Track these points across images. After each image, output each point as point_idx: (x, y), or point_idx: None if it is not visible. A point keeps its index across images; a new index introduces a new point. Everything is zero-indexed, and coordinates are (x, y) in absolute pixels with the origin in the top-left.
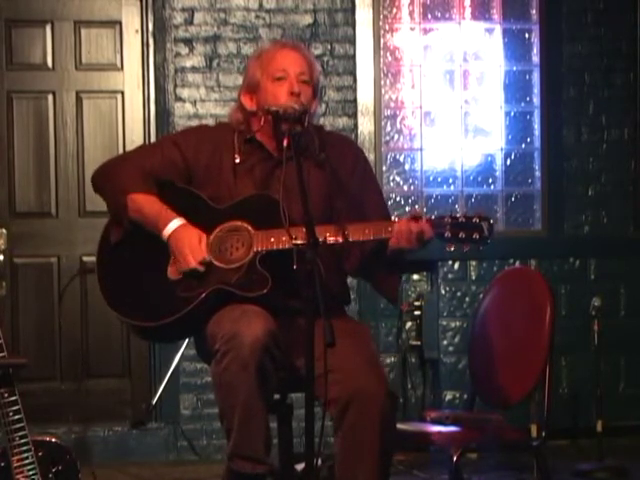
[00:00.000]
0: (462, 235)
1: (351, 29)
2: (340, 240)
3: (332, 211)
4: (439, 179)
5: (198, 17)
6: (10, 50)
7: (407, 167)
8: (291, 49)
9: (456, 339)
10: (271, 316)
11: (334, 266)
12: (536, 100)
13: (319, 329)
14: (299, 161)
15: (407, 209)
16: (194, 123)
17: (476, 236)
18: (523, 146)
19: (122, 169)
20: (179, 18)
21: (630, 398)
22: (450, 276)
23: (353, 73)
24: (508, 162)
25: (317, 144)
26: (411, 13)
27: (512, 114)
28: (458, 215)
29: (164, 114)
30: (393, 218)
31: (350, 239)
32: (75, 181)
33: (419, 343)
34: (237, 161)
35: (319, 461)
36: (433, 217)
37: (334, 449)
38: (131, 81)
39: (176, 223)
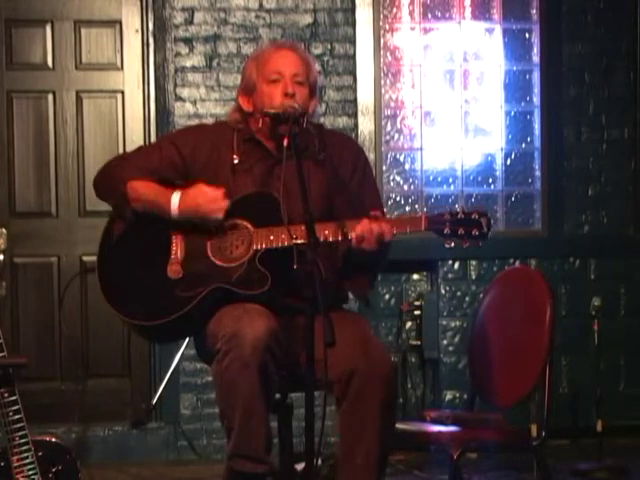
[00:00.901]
0: (461, 231)
1: (351, 29)
2: (340, 238)
3: (331, 210)
4: (439, 179)
5: (198, 17)
6: (10, 50)
7: (407, 167)
8: (286, 50)
9: (456, 339)
10: (273, 314)
11: (333, 264)
12: (536, 100)
13: (319, 327)
14: (299, 160)
15: (407, 209)
16: (194, 123)
17: (475, 232)
18: (523, 146)
19: (121, 167)
20: (179, 18)
21: (630, 398)
22: (450, 276)
23: (353, 73)
24: (508, 162)
25: (317, 144)
26: (411, 13)
27: (512, 114)
28: (457, 211)
29: (164, 114)
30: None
31: (349, 237)
32: (75, 181)
33: (419, 343)
34: (236, 162)
35: (319, 461)
36: (432, 214)
37: (337, 422)
38: (131, 81)
39: (177, 195)
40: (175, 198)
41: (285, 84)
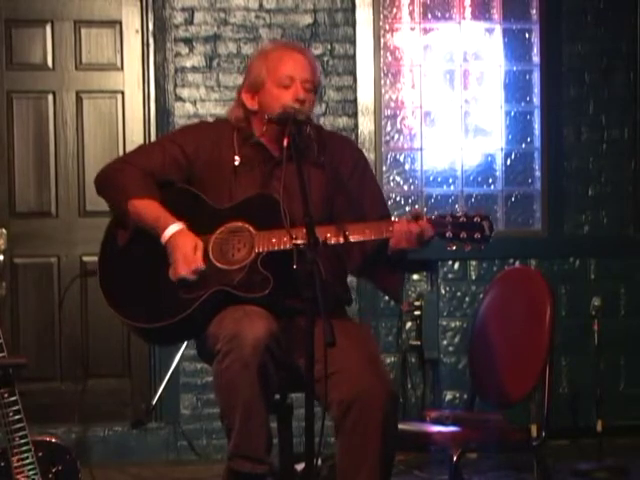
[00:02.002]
0: (464, 235)
1: (351, 29)
2: (341, 240)
3: (332, 212)
4: (439, 179)
5: (198, 17)
6: (10, 50)
7: (407, 167)
8: (298, 54)
9: (456, 339)
10: (273, 317)
11: (335, 267)
12: (536, 100)
13: (319, 329)
14: (299, 161)
15: (407, 209)
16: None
17: (477, 236)
18: (523, 146)
19: (124, 172)
20: (179, 18)
21: (630, 398)
22: (450, 276)
23: (353, 73)
24: (508, 162)
25: (316, 146)
26: (411, 13)
27: (512, 114)
28: (459, 214)
29: (164, 114)
30: (393, 218)
31: (351, 239)
32: (75, 181)
33: (419, 343)
34: (237, 163)
35: (319, 461)
36: (434, 216)
37: (335, 450)
38: (131, 81)
39: (174, 228)
40: (171, 229)
41: (296, 89)
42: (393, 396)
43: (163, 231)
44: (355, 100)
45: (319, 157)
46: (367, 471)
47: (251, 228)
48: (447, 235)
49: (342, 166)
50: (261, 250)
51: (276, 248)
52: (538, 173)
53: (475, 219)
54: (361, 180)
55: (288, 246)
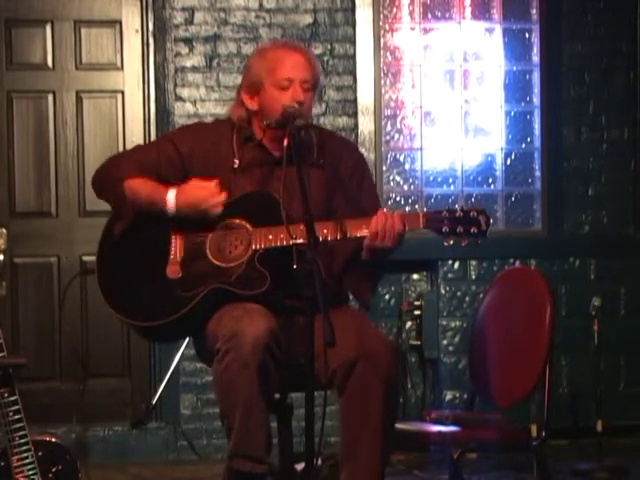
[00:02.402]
0: (460, 229)
1: (351, 29)
2: (338, 236)
3: (330, 212)
4: (439, 179)
5: (198, 17)
6: (10, 50)
7: (407, 167)
8: (297, 54)
9: (456, 339)
10: (272, 315)
11: (330, 266)
12: (536, 100)
13: (319, 326)
14: (299, 161)
15: (407, 209)
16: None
17: (474, 230)
18: (523, 146)
19: (118, 164)
20: (179, 18)
21: (630, 398)
22: (450, 276)
23: (353, 73)
24: (508, 162)
25: (316, 148)
26: (411, 13)
27: (512, 114)
28: (455, 209)
29: (164, 114)
30: None
31: (348, 235)
32: (75, 181)
33: (419, 343)
34: (235, 166)
35: (319, 461)
36: (430, 212)
37: (340, 410)
38: (131, 81)
39: (172, 193)
40: (171, 195)
41: (295, 91)
42: (394, 350)
43: (165, 200)
44: (355, 100)
45: (318, 159)
46: (373, 426)
47: (248, 225)
48: (444, 230)
49: (342, 167)
50: (258, 247)
51: (273, 245)
52: (538, 173)
53: (471, 214)
54: (360, 182)
55: (285, 242)
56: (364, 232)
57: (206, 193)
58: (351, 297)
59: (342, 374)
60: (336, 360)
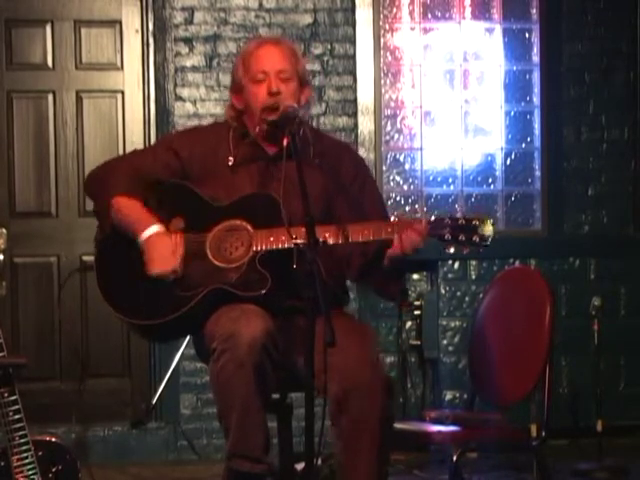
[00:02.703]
0: (462, 238)
1: (351, 29)
2: (340, 241)
3: (331, 214)
4: (439, 179)
5: (198, 16)
6: (10, 50)
7: (407, 167)
8: (269, 46)
9: (456, 339)
10: (270, 316)
11: (332, 268)
12: (536, 100)
13: (319, 328)
14: (299, 160)
15: (407, 209)
16: (194, 122)
17: (476, 239)
18: (523, 146)
19: (113, 171)
20: (179, 17)
21: (630, 398)
22: (450, 276)
23: (353, 73)
24: (508, 162)
25: (313, 149)
26: (411, 13)
27: (512, 114)
28: (458, 217)
29: (164, 113)
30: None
31: (350, 239)
32: (75, 181)
33: (419, 343)
34: (230, 163)
35: (319, 461)
36: (432, 218)
37: (333, 443)
38: (131, 81)
39: (154, 229)
40: (152, 230)
41: (269, 83)
42: (389, 386)
43: (143, 230)
44: (355, 100)
45: (314, 159)
46: (365, 462)
47: (249, 226)
48: (445, 237)
49: (343, 171)
50: (259, 248)
51: (274, 247)
52: (538, 173)
53: (474, 222)
54: (362, 185)
55: (286, 245)
56: (366, 237)
57: (164, 260)
58: (352, 298)
59: (333, 404)
60: (331, 385)
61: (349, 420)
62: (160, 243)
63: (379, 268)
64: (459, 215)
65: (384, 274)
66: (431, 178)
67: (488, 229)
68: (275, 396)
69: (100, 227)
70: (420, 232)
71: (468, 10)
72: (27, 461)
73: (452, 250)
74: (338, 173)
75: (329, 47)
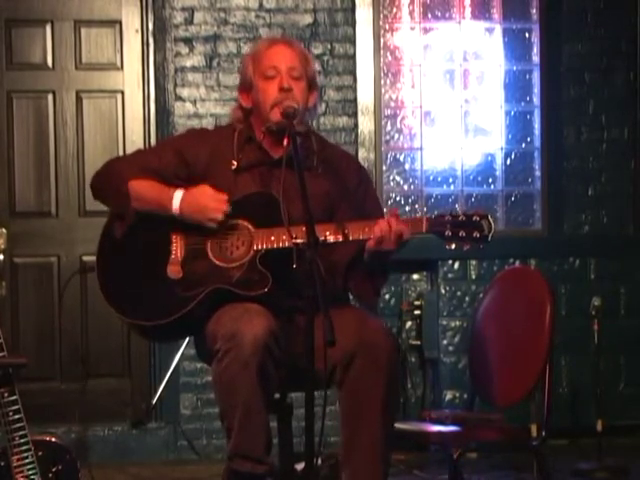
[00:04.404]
0: (462, 234)
1: (351, 29)
2: (340, 238)
3: (332, 217)
4: (439, 179)
5: (198, 17)
6: (10, 50)
7: (407, 166)
8: (281, 45)
9: (456, 339)
10: (272, 315)
11: (331, 267)
12: (536, 100)
13: (319, 326)
14: (299, 161)
15: (407, 209)
16: (194, 122)
17: (476, 235)
18: (523, 146)
19: (120, 166)
20: (179, 18)
21: (630, 398)
22: (450, 276)
23: (353, 73)
24: (508, 162)
25: (317, 156)
26: (411, 13)
27: (512, 114)
28: (458, 213)
29: (164, 113)
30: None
31: (350, 238)
32: (75, 181)
33: (419, 343)
34: (233, 167)
35: (319, 461)
36: (433, 215)
37: (339, 407)
38: (131, 81)
39: (179, 195)
40: (178, 195)
41: (281, 79)
42: (393, 343)
43: (171, 202)
44: (355, 100)
45: (317, 167)
46: (373, 420)
47: (250, 226)
48: (446, 234)
49: (347, 178)
50: (260, 248)
51: (275, 246)
52: (538, 173)
53: (474, 218)
54: (365, 193)
55: (287, 244)
56: (367, 235)
57: (213, 197)
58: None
59: (341, 368)
60: (335, 355)
61: (352, 384)
62: (194, 198)
63: (358, 268)
64: (459, 212)
65: (360, 274)
66: (431, 178)
67: (488, 225)
68: (276, 396)
69: (119, 218)
70: (398, 226)
71: (468, 10)
72: (27, 461)
73: (453, 247)
74: (342, 180)
75: (329, 47)
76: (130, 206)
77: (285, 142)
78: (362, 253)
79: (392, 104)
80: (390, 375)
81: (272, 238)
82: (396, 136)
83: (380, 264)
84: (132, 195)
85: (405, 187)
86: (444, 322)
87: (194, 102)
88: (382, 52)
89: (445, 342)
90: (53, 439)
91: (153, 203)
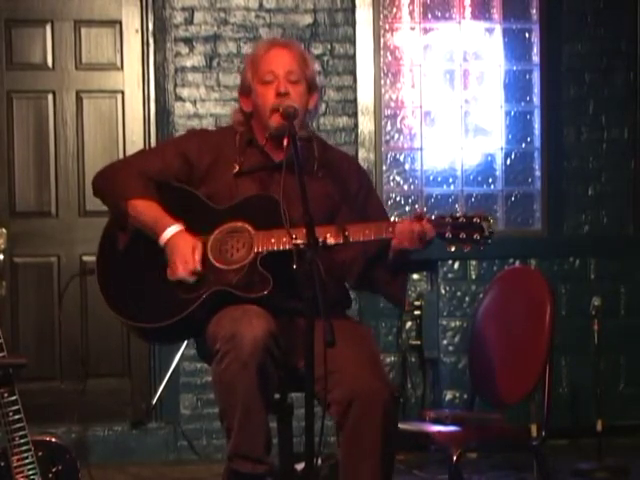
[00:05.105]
0: (463, 235)
1: (351, 29)
2: (341, 240)
3: (334, 222)
4: (439, 179)
5: (198, 17)
6: (10, 50)
7: (407, 167)
8: (279, 48)
9: (456, 339)
10: (272, 316)
11: (334, 271)
12: (536, 100)
13: (319, 329)
14: (299, 163)
15: (407, 209)
16: (194, 122)
17: (477, 236)
18: (523, 146)
19: (122, 173)
20: (179, 18)
21: (630, 398)
22: (450, 276)
23: (353, 73)
24: (508, 162)
25: (316, 160)
26: (411, 13)
27: (512, 114)
28: (459, 215)
29: (164, 114)
30: (393, 219)
31: (351, 239)
32: (75, 181)
33: (419, 343)
34: (235, 171)
35: (319, 461)
36: (433, 217)
37: (337, 450)
38: (131, 81)
39: (173, 230)
40: (171, 230)
41: (278, 84)
42: (393, 395)
43: (162, 232)
44: (355, 100)
45: (318, 171)
46: (368, 470)
47: (250, 228)
48: (446, 235)
49: (349, 181)
50: (260, 250)
51: (275, 248)
52: (538, 173)
53: (474, 220)
54: (366, 195)
55: (288, 246)
56: (367, 236)
57: (185, 262)
58: (357, 302)
59: (338, 410)
60: (335, 393)
61: (351, 427)
62: (181, 243)
63: (380, 267)
64: (460, 213)
65: (386, 273)
66: (431, 178)
67: (489, 226)
68: (276, 396)
69: (119, 230)
70: (422, 226)
71: (468, 10)
72: (27, 461)
73: (453, 249)
74: (343, 183)
75: (329, 47)
76: (128, 221)
77: (285, 142)
78: (385, 252)
79: (392, 104)
80: (387, 424)
81: (272, 240)
82: (396, 136)
83: (403, 263)
84: (130, 214)
85: (405, 187)
86: (444, 322)
87: (194, 102)
88: (382, 52)
89: (445, 342)
90: (53, 439)
91: (147, 228)
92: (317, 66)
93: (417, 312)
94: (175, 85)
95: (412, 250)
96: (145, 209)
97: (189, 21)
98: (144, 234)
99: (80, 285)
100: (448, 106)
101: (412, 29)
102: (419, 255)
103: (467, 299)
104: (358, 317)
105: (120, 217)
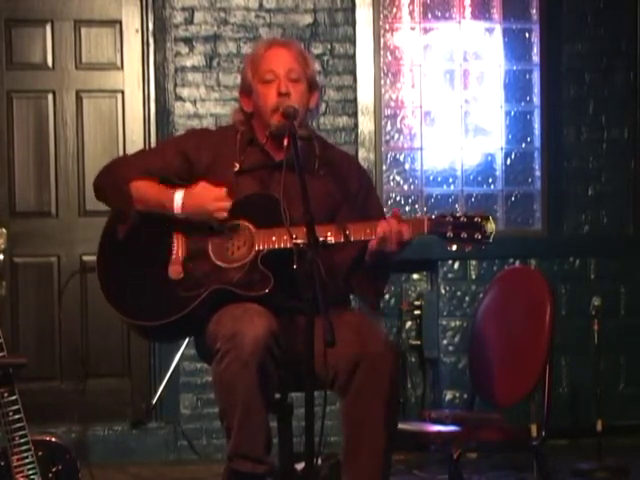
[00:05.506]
0: (464, 235)
1: (351, 29)
2: (342, 239)
3: (334, 218)
4: (439, 179)
5: (198, 16)
6: (10, 50)
7: (407, 166)
8: (279, 48)
9: (456, 339)
10: (272, 315)
11: (332, 269)
12: (536, 100)
13: (319, 328)
14: (299, 162)
15: (407, 209)
16: (194, 122)
17: (478, 236)
18: (523, 146)
19: (122, 167)
20: (179, 17)
21: (630, 398)
22: (450, 276)
23: (353, 72)
24: (508, 162)
25: (318, 159)
26: (411, 12)
27: (512, 114)
28: (459, 214)
29: (164, 113)
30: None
31: (352, 238)
32: (75, 181)
33: (419, 343)
34: (236, 169)
35: (319, 461)
36: (434, 216)
37: (341, 414)
38: (131, 80)
39: (180, 194)
40: (178, 196)
41: (279, 83)
42: (396, 355)
43: (172, 202)
44: (355, 100)
45: (319, 170)
46: (375, 428)
47: (251, 226)
48: (448, 235)
49: (349, 180)
50: (261, 248)
51: (276, 246)
52: (538, 173)
53: (476, 219)
54: (367, 195)
55: (288, 245)
56: (368, 236)
57: (214, 196)
58: (358, 303)
59: (344, 377)
60: (337, 362)
61: (354, 392)
62: (197, 190)
63: (360, 270)
64: (461, 213)
65: (362, 275)
66: (431, 178)
67: (490, 226)
68: (276, 396)
69: (122, 220)
70: (398, 227)
71: (468, 10)
72: (27, 461)
73: (454, 248)
74: (344, 182)
75: (329, 47)
76: (132, 207)
77: (286, 141)
78: (364, 254)
79: (392, 104)
80: (392, 385)
81: (273, 238)
82: (396, 136)
83: (382, 265)
84: (134, 196)
85: (405, 187)
86: (444, 322)
87: (194, 102)
88: (382, 52)
89: (445, 342)
90: (53, 439)
91: (154, 203)
92: (317, 66)
93: (417, 312)
94: (175, 85)
95: (390, 253)
96: (148, 187)
97: (189, 21)
98: (145, 230)
99: (80, 285)
100: (448, 106)
101: (412, 29)
102: (419, 255)
103: (467, 299)
104: None
105: (124, 204)
